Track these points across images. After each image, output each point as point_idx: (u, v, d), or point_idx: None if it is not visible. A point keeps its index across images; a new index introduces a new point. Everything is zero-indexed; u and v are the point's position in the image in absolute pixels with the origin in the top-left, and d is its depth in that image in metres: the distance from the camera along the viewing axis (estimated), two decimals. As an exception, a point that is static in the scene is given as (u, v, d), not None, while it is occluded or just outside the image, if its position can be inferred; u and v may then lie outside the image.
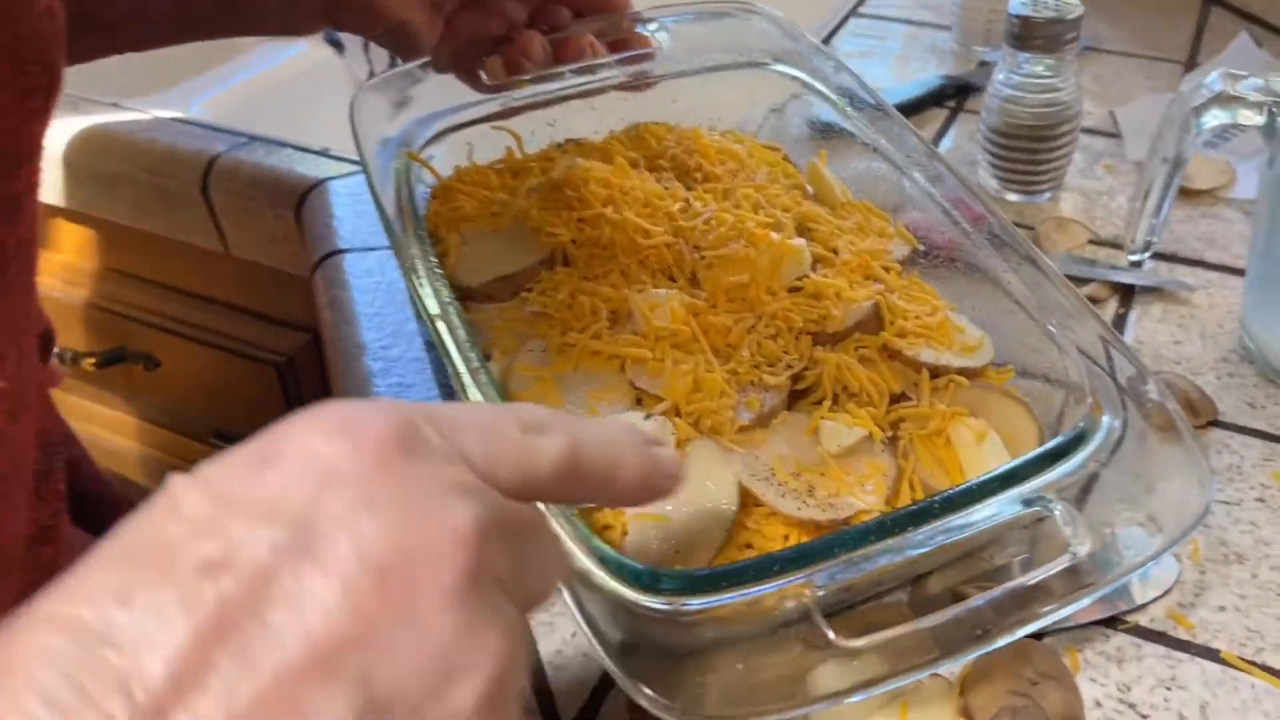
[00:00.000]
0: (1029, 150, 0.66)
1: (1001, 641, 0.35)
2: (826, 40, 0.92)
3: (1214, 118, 0.52)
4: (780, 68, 0.57)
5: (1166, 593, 0.44)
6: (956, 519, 0.36)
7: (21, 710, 0.18)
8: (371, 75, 0.91)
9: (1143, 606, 0.44)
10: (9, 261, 0.36)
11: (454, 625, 0.21)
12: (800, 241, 0.48)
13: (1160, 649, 0.42)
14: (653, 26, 0.56)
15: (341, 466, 0.22)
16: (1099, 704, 0.40)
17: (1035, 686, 0.39)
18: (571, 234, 0.49)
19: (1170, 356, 0.56)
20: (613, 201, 0.50)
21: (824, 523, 0.40)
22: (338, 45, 0.96)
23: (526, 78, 0.52)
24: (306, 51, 0.98)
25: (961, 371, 0.46)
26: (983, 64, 0.84)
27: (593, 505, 0.38)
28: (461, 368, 0.40)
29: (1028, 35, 0.63)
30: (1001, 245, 0.47)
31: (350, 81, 0.93)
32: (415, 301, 0.43)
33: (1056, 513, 0.37)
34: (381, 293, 0.62)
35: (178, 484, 0.22)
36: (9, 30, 0.34)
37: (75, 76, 0.43)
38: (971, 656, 0.34)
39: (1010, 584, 0.35)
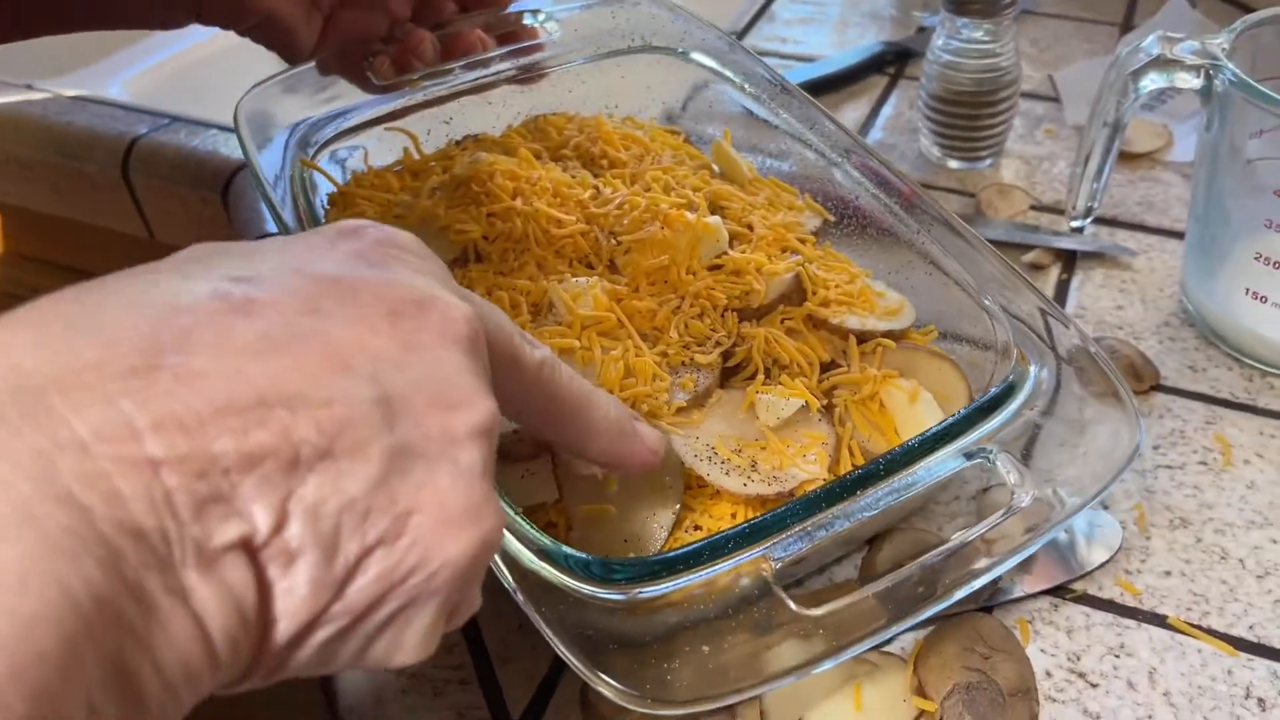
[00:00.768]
0: (969, 116, 0.66)
1: (954, 598, 0.35)
2: (765, 8, 0.90)
3: (1152, 81, 0.51)
4: (671, 50, 0.57)
5: (1113, 557, 0.44)
6: (902, 478, 0.36)
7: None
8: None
9: (1090, 573, 0.44)
10: None
11: (456, 365, 0.24)
12: (716, 220, 0.47)
13: (1108, 617, 0.42)
14: (541, 17, 0.56)
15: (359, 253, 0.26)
16: (1049, 674, 0.40)
17: (987, 660, 0.39)
18: (482, 230, 0.47)
19: (1113, 321, 0.56)
20: (521, 193, 0.48)
21: (770, 496, 0.39)
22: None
23: (416, 76, 0.51)
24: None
25: (887, 335, 0.46)
26: (921, 29, 0.84)
27: (562, 455, 0.38)
28: None
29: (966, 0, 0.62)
30: (913, 209, 0.47)
31: (276, 59, 0.90)
32: None
33: (998, 463, 0.37)
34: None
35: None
36: None
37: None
38: (923, 617, 0.34)
39: (957, 540, 0.35)
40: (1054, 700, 0.39)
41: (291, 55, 0.52)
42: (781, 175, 0.55)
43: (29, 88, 0.80)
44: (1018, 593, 0.43)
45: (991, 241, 0.46)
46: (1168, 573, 0.44)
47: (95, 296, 0.22)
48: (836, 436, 0.42)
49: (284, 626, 0.22)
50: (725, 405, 0.42)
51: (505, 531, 0.33)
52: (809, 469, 0.40)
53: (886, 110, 0.76)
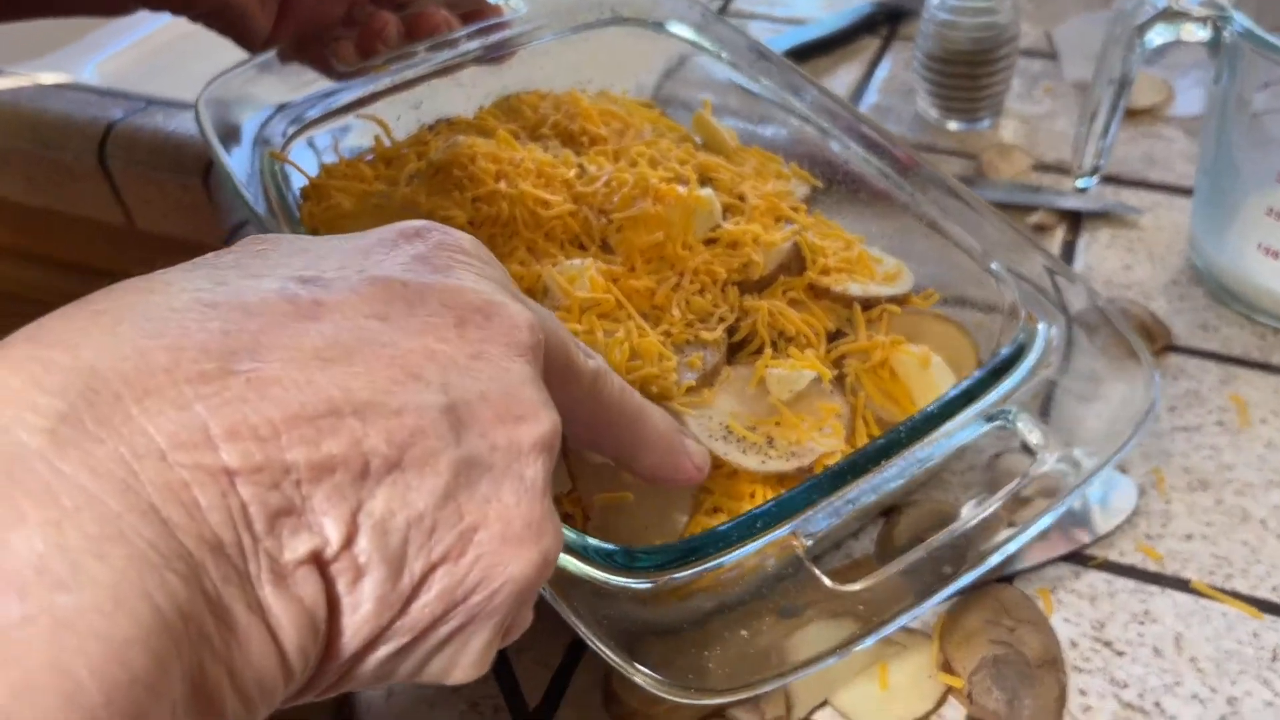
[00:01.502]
0: (967, 76, 0.64)
1: (983, 568, 0.34)
2: (751, -29, 0.88)
3: (1158, 35, 0.50)
4: (643, 21, 0.55)
5: (1129, 520, 0.43)
6: (924, 446, 0.36)
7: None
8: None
9: (1106, 536, 0.43)
10: None
11: (521, 375, 0.24)
12: (709, 192, 0.46)
13: (1131, 583, 0.41)
14: None
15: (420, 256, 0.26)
16: (1074, 644, 0.39)
17: (1013, 632, 0.38)
18: (467, 215, 0.46)
19: (1121, 281, 0.55)
20: (505, 176, 0.47)
21: (790, 472, 0.38)
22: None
23: (381, 60, 0.50)
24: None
25: (891, 300, 0.45)
26: (913, -11, 0.82)
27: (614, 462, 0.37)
28: None
29: (962, -44, 0.61)
30: (907, 173, 0.46)
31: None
32: None
33: (1019, 424, 0.37)
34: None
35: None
36: None
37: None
38: (955, 589, 0.34)
39: (988, 509, 0.34)
40: (1080, 670, 0.39)
41: (247, 42, 0.51)
42: (765, 144, 0.53)
43: (-1, 74, 0.78)
44: (1038, 559, 0.42)
45: (994, 204, 0.45)
46: (1189, 536, 0.43)
47: (160, 293, 0.21)
48: (850, 407, 0.41)
49: (348, 642, 0.21)
50: (734, 382, 0.41)
51: None
52: (826, 442, 0.39)
53: (881, 73, 0.74)
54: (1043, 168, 0.63)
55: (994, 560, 0.34)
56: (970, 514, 0.35)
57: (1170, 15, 0.49)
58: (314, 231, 0.48)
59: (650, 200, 0.45)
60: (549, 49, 0.54)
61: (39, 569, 0.16)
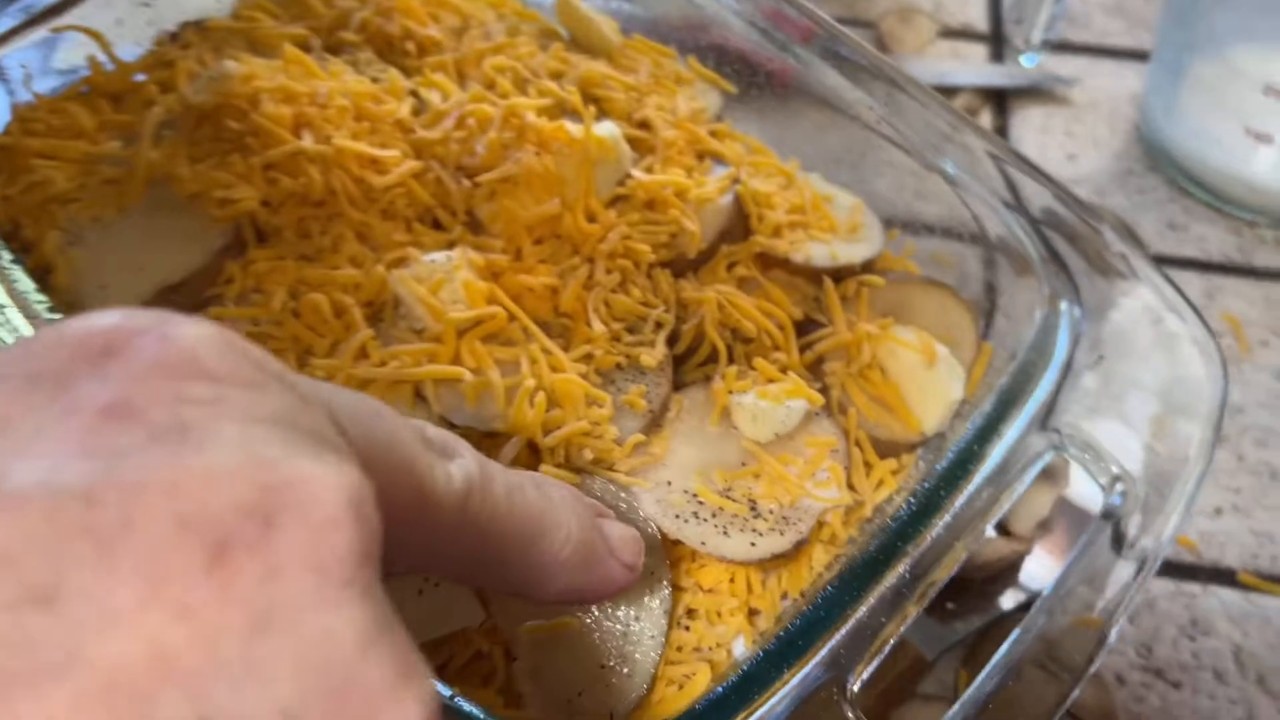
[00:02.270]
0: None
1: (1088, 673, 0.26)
2: None
3: None
4: None
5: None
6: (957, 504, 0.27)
7: None
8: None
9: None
10: None
11: (354, 632, 0.14)
12: (611, 129, 0.33)
13: (1169, 585, 0.34)
14: None
15: None
16: (1122, 680, 0.32)
17: (1072, 699, 0.30)
18: (259, 193, 0.31)
19: (1069, 176, 0.47)
20: (308, 123, 0.32)
21: (787, 551, 0.28)
22: None
23: None
24: None
25: (866, 267, 0.34)
26: None
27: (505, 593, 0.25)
28: None
29: None
30: (840, 60, 0.35)
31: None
32: None
33: (1070, 453, 0.29)
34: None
35: None
36: None
37: None
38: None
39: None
40: (1137, 716, 0.31)
41: None
42: (649, 32, 0.40)
43: None
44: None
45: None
46: (1218, 510, 0.36)
47: None
48: (842, 431, 0.30)
49: None
50: (687, 417, 0.30)
51: None
52: (824, 493, 0.29)
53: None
54: (951, 35, 0.53)
55: (1094, 665, 0.25)
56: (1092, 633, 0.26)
57: None
58: (15, 230, 0.32)
59: (530, 148, 0.32)
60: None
61: None
